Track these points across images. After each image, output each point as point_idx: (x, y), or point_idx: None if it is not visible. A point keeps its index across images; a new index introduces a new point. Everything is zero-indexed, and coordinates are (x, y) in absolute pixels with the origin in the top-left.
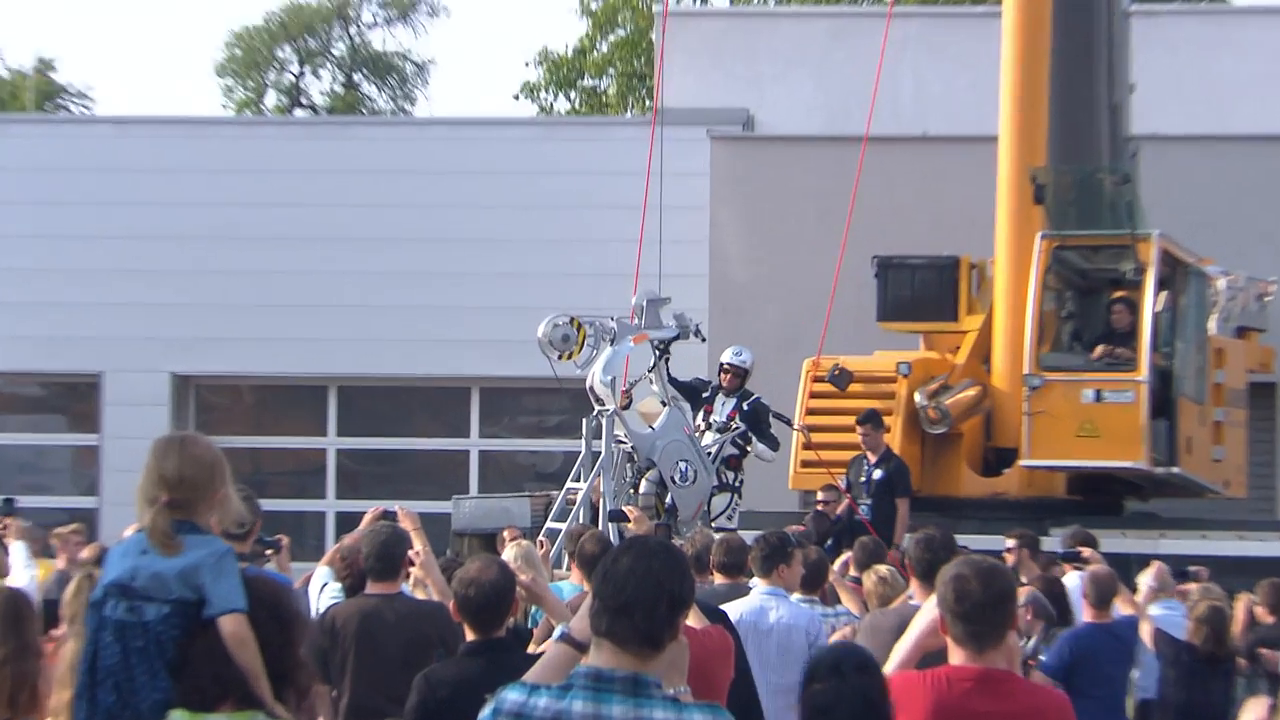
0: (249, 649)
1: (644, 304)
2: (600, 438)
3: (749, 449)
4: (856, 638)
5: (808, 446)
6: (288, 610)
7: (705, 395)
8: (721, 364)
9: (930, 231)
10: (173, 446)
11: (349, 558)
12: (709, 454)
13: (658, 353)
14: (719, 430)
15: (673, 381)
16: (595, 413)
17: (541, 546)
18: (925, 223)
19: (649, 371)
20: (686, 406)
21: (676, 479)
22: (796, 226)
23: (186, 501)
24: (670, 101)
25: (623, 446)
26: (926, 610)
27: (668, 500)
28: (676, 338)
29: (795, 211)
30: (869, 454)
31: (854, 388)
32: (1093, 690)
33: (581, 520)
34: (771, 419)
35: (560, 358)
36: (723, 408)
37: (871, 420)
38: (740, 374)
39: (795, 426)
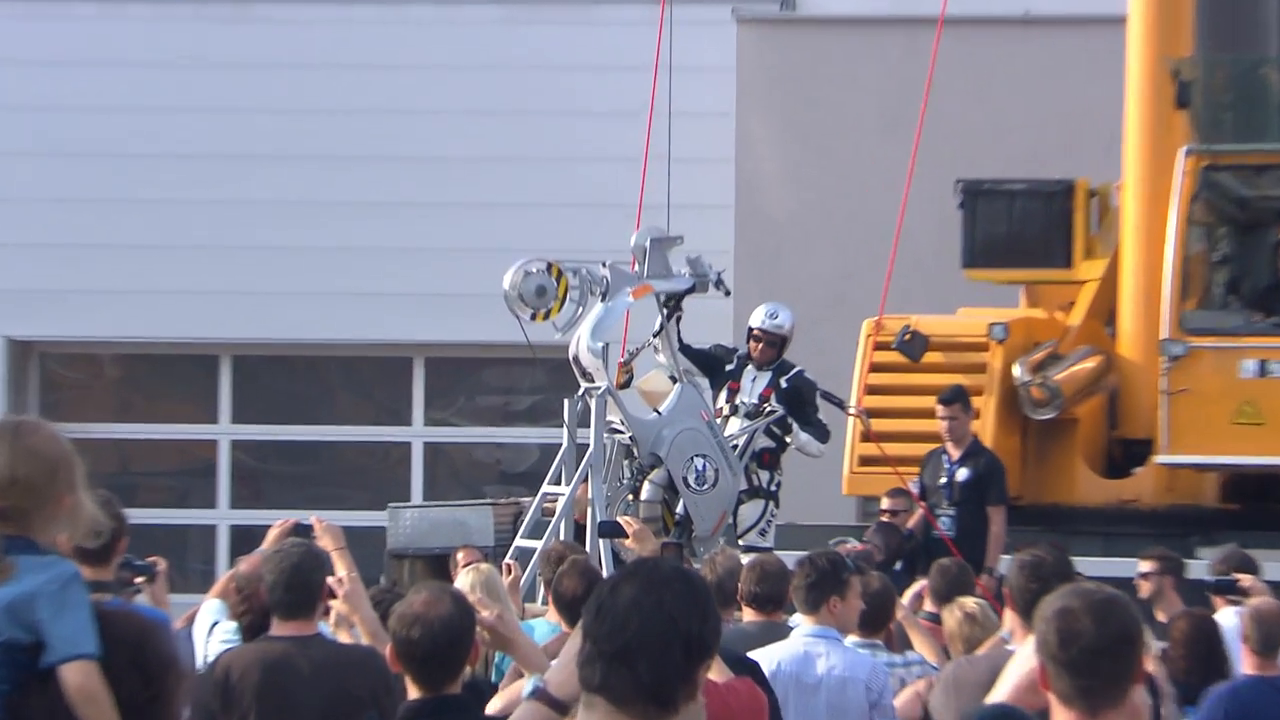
0: (100, 707)
1: (647, 245)
2: (588, 426)
3: (788, 440)
4: (933, 694)
5: (868, 437)
6: (159, 656)
7: (730, 369)
8: (751, 328)
9: (1033, 147)
10: (1, 437)
11: (247, 588)
12: (735, 447)
13: (666, 311)
14: (748, 415)
15: (685, 350)
16: (581, 392)
17: (509, 572)
18: (1026, 135)
19: (654, 337)
20: (704, 384)
21: (691, 481)
22: (851, 140)
23: (19, 510)
24: None
25: (619, 437)
26: (1023, 657)
27: (679, 509)
28: (691, 291)
29: (850, 120)
30: (951, 447)
31: (930, 358)
32: None
33: (563, 537)
34: (819, 400)
35: (534, 317)
36: (753, 385)
37: (957, 401)
38: (776, 341)
39: (851, 411)
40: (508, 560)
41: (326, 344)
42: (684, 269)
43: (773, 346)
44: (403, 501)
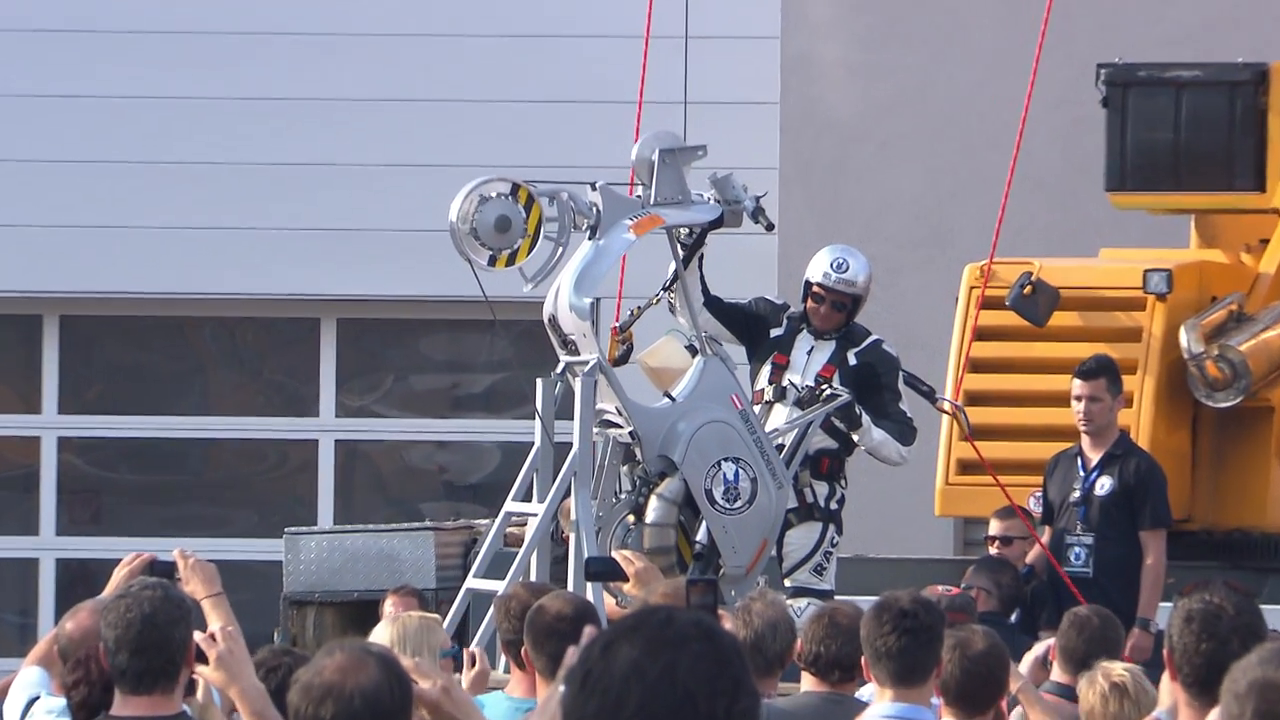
0: None
1: (655, 159)
2: (570, 417)
3: (857, 439)
4: None
5: (968, 436)
6: None
7: (776, 335)
8: (809, 282)
9: (1203, 21)
10: None
11: (79, 650)
12: (780, 448)
13: (682, 254)
14: (801, 403)
15: (711, 307)
16: (560, 368)
17: (471, 665)
18: (1189, 3)
19: (665, 291)
20: (739, 356)
21: (718, 496)
22: (947, 11)
23: None
24: None
25: (614, 433)
26: None
27: (699, 536)
28: (718, 224)
29: None
30: (1089, 445)
31: (1059, 319)
32: None
33: (533, 575)
34: (902, 384)
35: (494, 262)
36: (809, 361)
37: (1100, 376)
38: (844, 301)
39: (944, 404)
40: (456, 608)
41: (194, 299)
42: (707, 193)
43: (839, 308)
44: (306, 526)
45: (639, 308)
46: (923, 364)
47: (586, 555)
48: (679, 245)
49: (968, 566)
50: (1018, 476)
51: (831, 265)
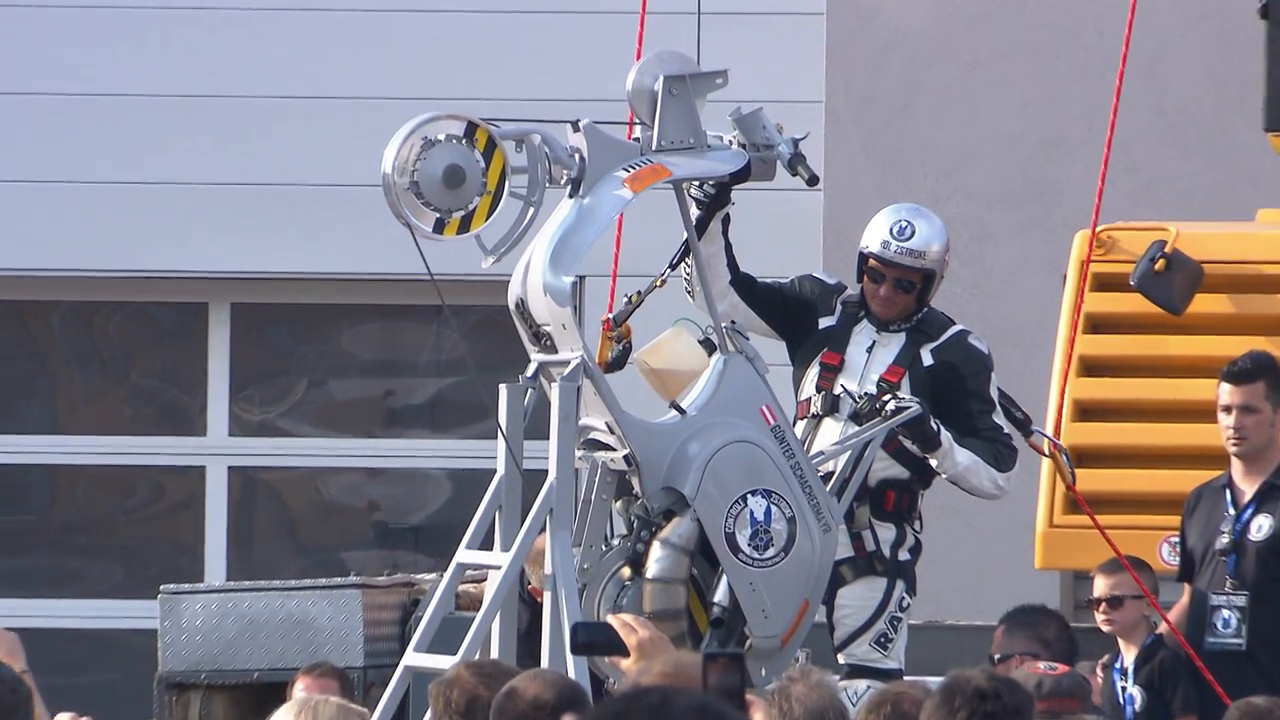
0: None
1: (657, 90)
2: (545, 436)
3: (934, 462)
4: None
5: (1071, 486)
6: None
7: (827, 326)
8: (864, 253)
9: None
10: None
11: None
12: (828, 477)
13: (698, 217)
14: (858, 416)
15: (740, 287)
16: (532, 371)
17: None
18: None
19: (673, 268)
20: (763, 354)
21: (743, 543)
22: None
23: None
24: None
25: (604, 458)
26: None
27: (718, 594)
28: (743, 177)
29: None
30: (1241, 473)
31: (1201, 304)
32: None
33: (495, 650)
34: (995, 392)
35: (442, 228)
36: (869, 359)
37: (1257, 378)
38: (910, 278)
39: (1038, 440)
40: (392, 690)
41: (36, 278)
42: (729, 135)
43: (904, 288)
44: (189, 583)
45: (639, 292)
46: (1017, 366)
47: (569, 621)
48: (692, 205)
49: (1065, 633)
50: (1145, 516)
51: (892, 230)
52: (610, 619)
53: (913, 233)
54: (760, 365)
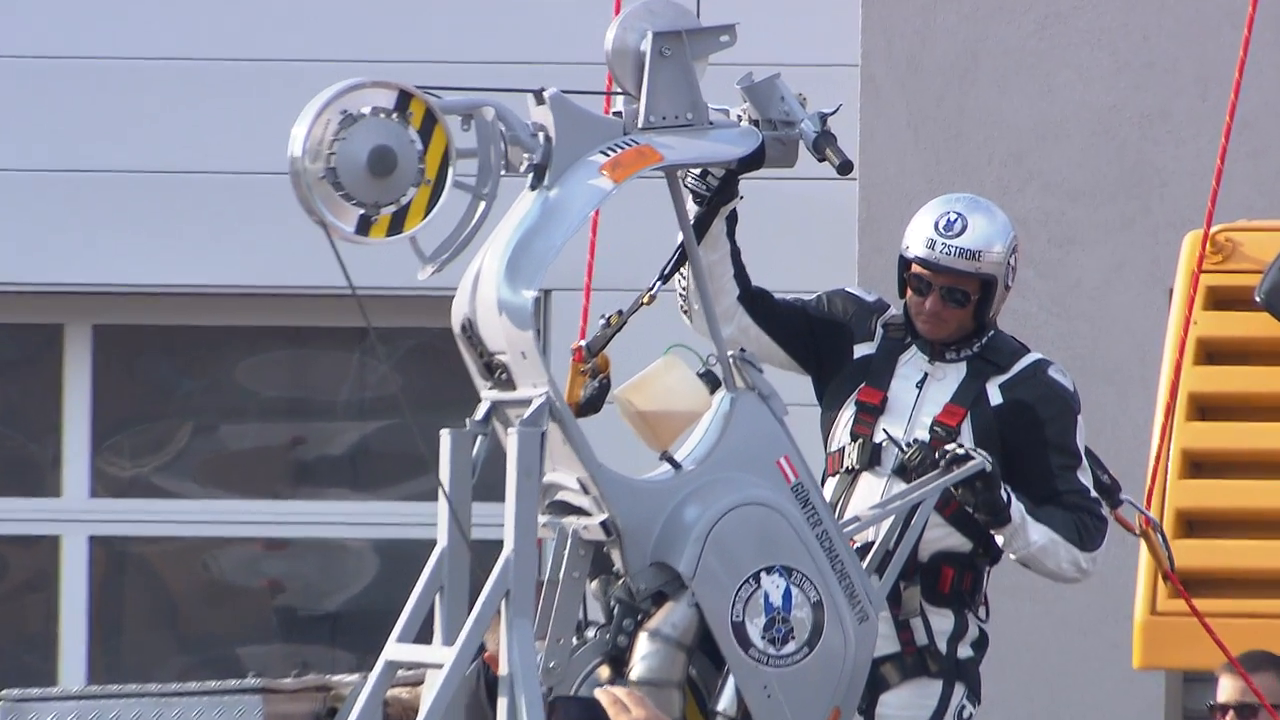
0: None
1: (644, 50)
2: (507, 498)
3: (1001, 539)
4: None
5: (1169, 573)
6: None
7: (865, 355)
8: (908, 257)
9: None
10: None
11: None
12: (866, 547)
13: (697, 214)
14: (905, 470)
15: (753, 305)
16: (483, 413)
17: None
18: None
19: (664, 280)
20: (781, 392)
21: (755, 634)
22: None
23: None
24: None
25: (576, 524)
26: None
27: (722, 701)
28: (755, 164)
29: None
30: None
31: None
32: None
33: None
34: (1079, 443)
35: (367, 227)
36: (920, 395)
37: None
38: (962, 285)
39: (1128, 511)
40: None
41: None
42: (737, 109)
43: (958, 300)
44: (38, 686)
45: (620, 311)
46: (1109, 408)
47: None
48: (689, 199)
49: None
50: (1275, 600)
51: (938, 225)
52: (599, 693)
53: (965, 227)
54: (778, 405)
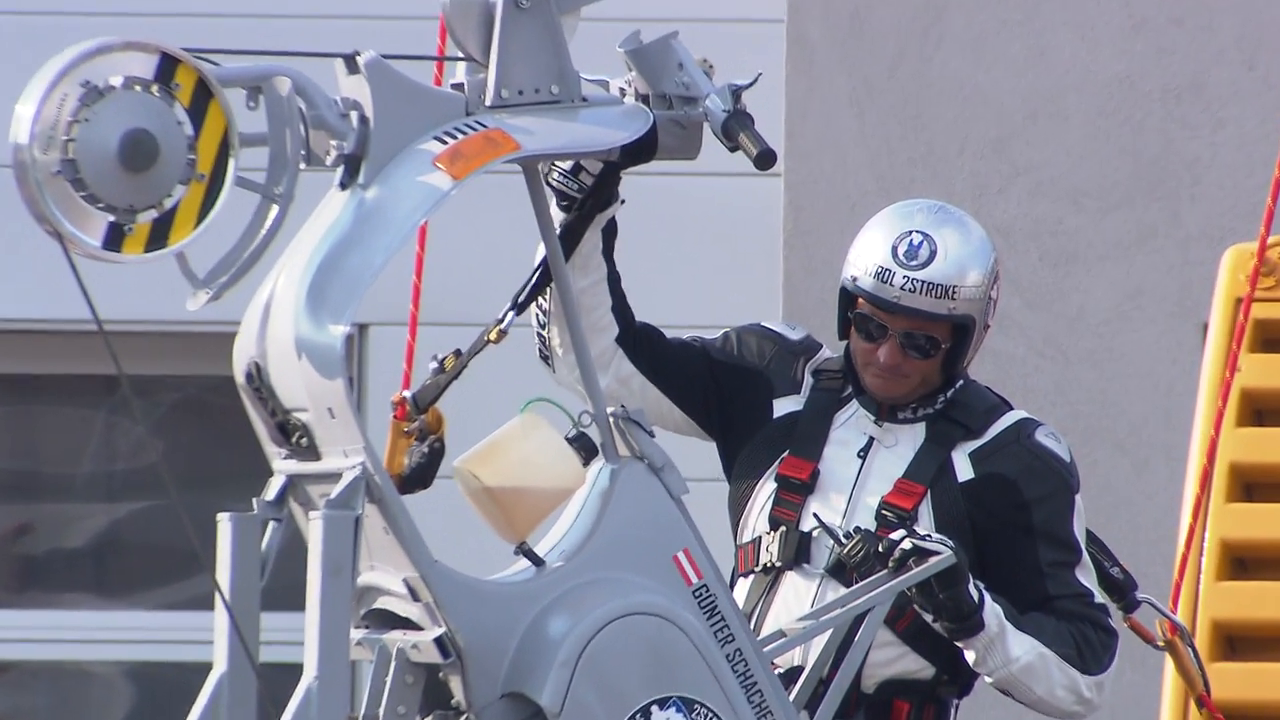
0: None
1: (495, 3)
2: (308, 605)
3: (971, 655)
4: None
5: (1204, 697)
6: None
7: (790, 413)
8: (853, 289)
9: None
10: None
11: None
12: (793, 673)
13: (564, 222)
14: (844, 569)
15: (636, 346)
16: (275, 491)
17: None
18: None
19: (518, 311)
20: (674, 459)
21: None
22: None
23: None
24: None
25: (400, 641)
26: None
27: None
28: (644, 154)
29: None
30: None
31: None
32: None
33: None
34: (1080, 537)
35: (120, 240)
36: (863, 467)
37: None
38: (934, 331)
39: (1144, 613)
40: None
41: None
42: (620, 80)
43: (923, 350)
44: None
45: (458, 353)
46: (1122, 483)
47: None
48: (553, 203)
49: None
50: None
51: (896, 250)
52: None
53: (933, 253)
54: (674, 480)
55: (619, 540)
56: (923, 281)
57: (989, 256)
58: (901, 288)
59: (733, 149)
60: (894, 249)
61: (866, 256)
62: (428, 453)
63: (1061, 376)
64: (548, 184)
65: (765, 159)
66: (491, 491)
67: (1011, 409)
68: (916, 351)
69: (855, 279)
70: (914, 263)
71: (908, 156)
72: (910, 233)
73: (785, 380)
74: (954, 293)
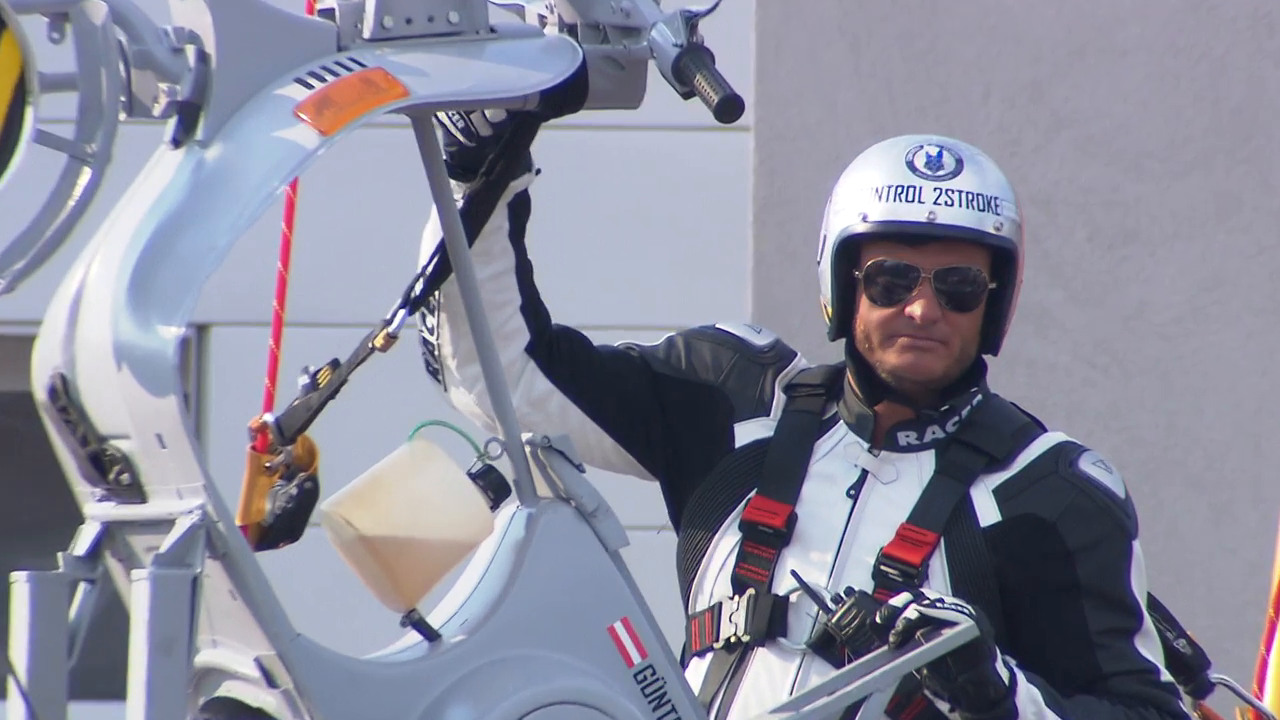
0: None
1: None
2: (130, 690)
3: None
4: None
5: None
6: None
7: (755, 441)
8: (854, 234)
9: None
10: None
11: None
12: None
13: (467, 188)
14: (831, 642)
15: (555, 355)
16: (87, 543)
17: None
18: None
19: (415, 309)
20: (595, 508)
21: None
22: None
23: None
24: None
25: None
26: None
27: None
28: (571, 101)
29: None
30: None
31: None
32: None
33: None
34: (1143, 600)
35: None
36: (852, 507)
37: None
38: (979, 262)
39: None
40: None
41: None
42: (543, 4)
43: (968, 298)
44: None
45: (334, 365)
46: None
47: None
48: (451, 166)
49: None
50: None
51: (914, 164)
52: None
53: (959, 162)
54: (609, 529)
55: (538, 607)
56: (960, 191)
57: (1013, 189)
58: (936, 202)
59: (686, 95)
60: (910, 164)
61: (870, 185)
62: (296, 495)
63: (1117, 392)
64: (445, 146)
65: (728, 108)
66: (371, 543)
67: (1046, 431)
68: (957, 300)
69: (865, 214)
70: (942, 172)
71: (916, 104)
72: (922, 146)
73: (749, 399)
74: (997, 205)
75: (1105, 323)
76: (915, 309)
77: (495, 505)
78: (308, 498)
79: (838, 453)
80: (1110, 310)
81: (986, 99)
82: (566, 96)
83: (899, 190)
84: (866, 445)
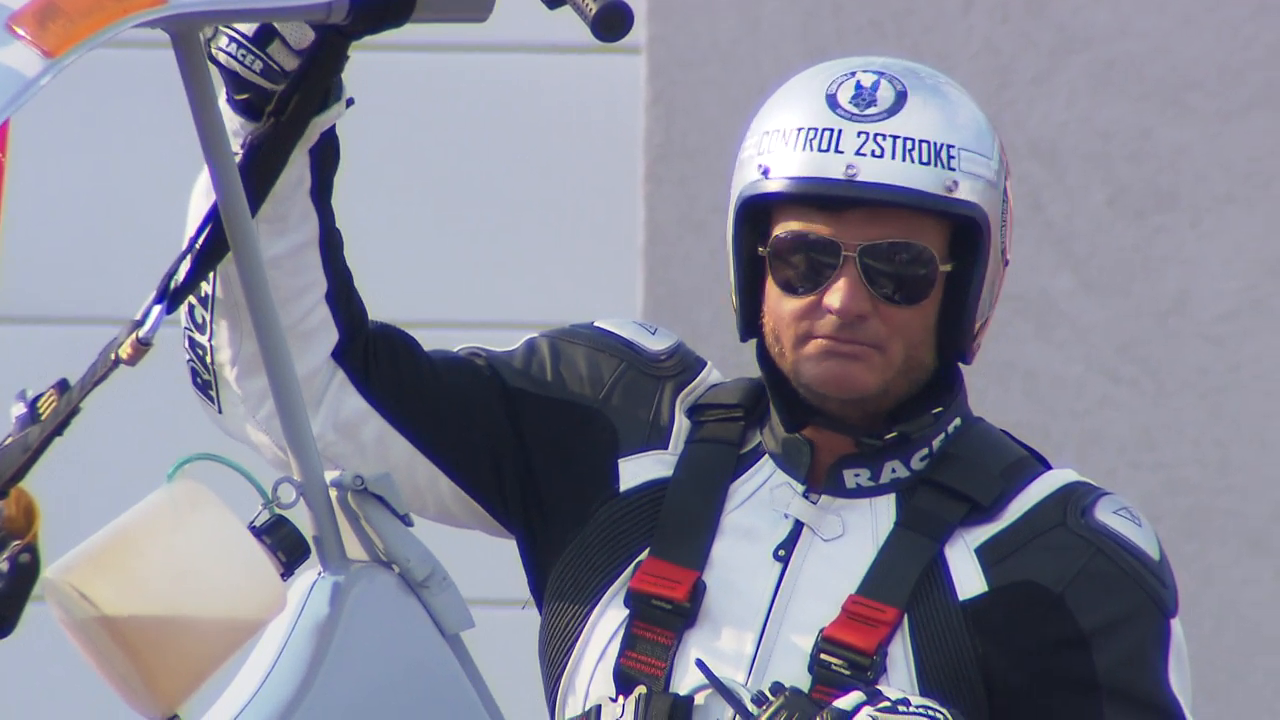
0: None
1: None
2: None
3: None
4: None
5: None
6: None
7: (649, 483)
8: (770, 192)
9: None
10: None
11: None
12: None
13: (253, 134)
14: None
15: (370, 367)
16: None
17: None
18: None
19: (177, 304)
20: (429, 575)
21: None
22: None
23: None
24: None
25: None
26: None
27: None
28: (383, 15)
29: None
30: None
31: None
32: None
33: None
34: (1183, 693)
35: None
36: (782, 572)
37: None
38: (927, 238)
39: None
40: None
41: None
42: None
43: (910, 279)
44: None
45: (63, 389)
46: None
47: None
48: (230, 97)
49: None
50: None
51: (835, 100)
52: None
53: (900, 95)
54: (447, 603)
55: (347, 712)
56: (894, 137)
57: (993, 134)
58: (859, 151)
59: (554, 4)
60: (831, 98)
61: (780, 127)
62: (7, 573)
63: (1149, 415)
64: (216, 64)
65: (611, 20)
66: (115, 625)
67: (1050, 468)
68: (895, 287)
69: (767, 169)
70: (873, 110)
71: (868, 18)
72: (854, 73)
73: (640, 425)
74: (952, 155)
75: (1132, 319)
76: (833, 298)
77: (288, 572)
78: (24, 575)
79: (761, 498)
80: (1139, 302)
81: (967, 10)
82: (387, 6)
83: (812, 135)
84: (801, 488)
